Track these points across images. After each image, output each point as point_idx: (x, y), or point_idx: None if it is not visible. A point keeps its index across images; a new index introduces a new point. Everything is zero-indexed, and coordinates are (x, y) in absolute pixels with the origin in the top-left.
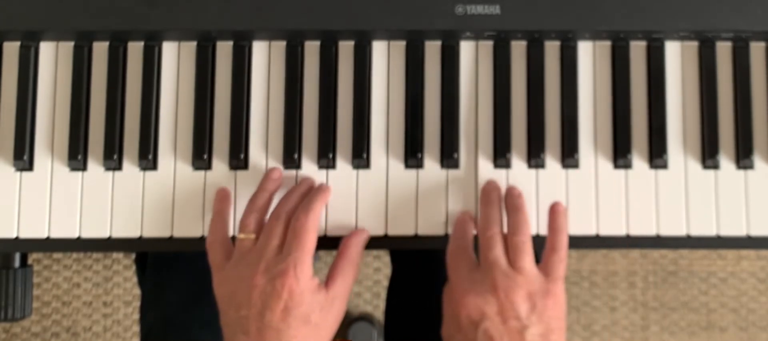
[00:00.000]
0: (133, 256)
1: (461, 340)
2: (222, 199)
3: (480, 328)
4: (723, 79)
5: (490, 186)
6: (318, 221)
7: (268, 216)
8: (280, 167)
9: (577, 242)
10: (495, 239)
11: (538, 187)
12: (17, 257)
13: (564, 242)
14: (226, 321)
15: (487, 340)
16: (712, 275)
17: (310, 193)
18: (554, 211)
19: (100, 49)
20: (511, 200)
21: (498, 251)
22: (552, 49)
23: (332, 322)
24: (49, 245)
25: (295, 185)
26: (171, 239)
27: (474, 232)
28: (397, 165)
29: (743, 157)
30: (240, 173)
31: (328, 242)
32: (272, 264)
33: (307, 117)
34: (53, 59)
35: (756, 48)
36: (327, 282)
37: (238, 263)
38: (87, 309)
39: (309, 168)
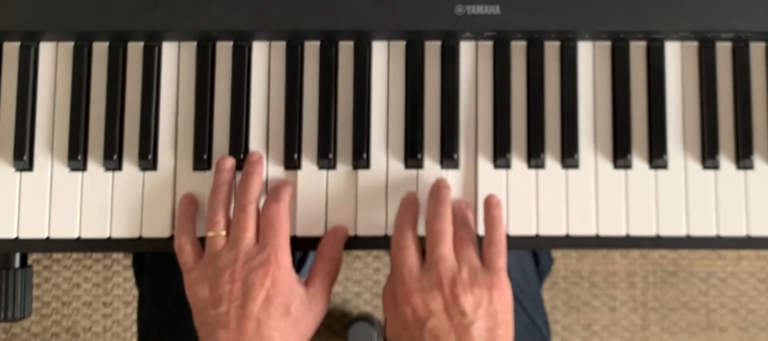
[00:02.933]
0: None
1: (408, 338)
2: (187, 203)
3: (426, 327)
4: (723, 79)
5: (441, 183)
6: (288, 208)
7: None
8: (231, 156)
9: (577, 242)
10: (444, 235)
11: (538, 187)
12: (17, 257)
13: (501, 234)
14: (203, 320)
15: (433, 339)
16: (712, 275)
17: (277, 184)
18: (489, 204)
19: (100, 49)
20: (456, 203)
21: (446, 247)
22: (552, 49)
23: (312, 321)
24: (49, 245)
25: (245, 172)
26: (171, 239)
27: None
28: (397, 165)
29: (743, 157)
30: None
31: None
32: (251, 255)
33: (307, 117)
34: (53, 59)
35: (756, 48)
36: (307, 280)
37: (214, 260)
38: (87, 309)
39: (309, 168)
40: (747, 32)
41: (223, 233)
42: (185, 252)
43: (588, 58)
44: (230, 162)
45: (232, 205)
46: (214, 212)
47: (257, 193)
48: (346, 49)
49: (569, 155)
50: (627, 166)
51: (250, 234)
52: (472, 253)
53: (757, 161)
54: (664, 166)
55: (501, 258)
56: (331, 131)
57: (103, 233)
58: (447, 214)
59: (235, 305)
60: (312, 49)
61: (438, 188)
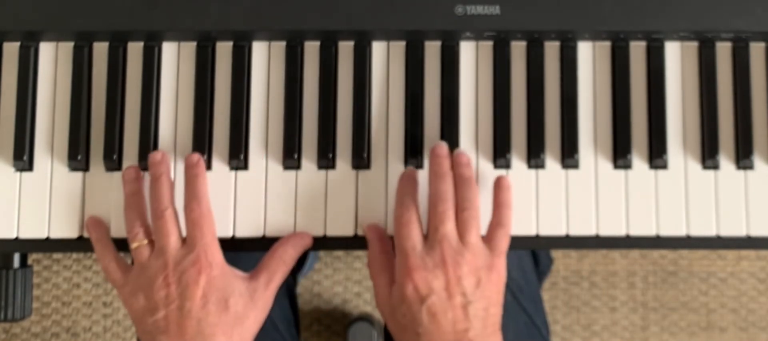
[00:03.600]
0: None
1: (404, 312)
2: (95, 227)
3: (425, 303)
4: (723, 79)
5: (441, 152)
6: (209, 201)
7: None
8: (136, 164)
9: (577, 242)
10: (447, 214)
11: (538, 187)
12: (17, 257)
13: (509, 217)
14: (143, 329)
15: (430, 316)
16: (712, 275)
17: (187, 177)
18: (499, 186)
19: (100, 49)
20: (460, 170)
21: (449, 226)
22: (552, 49)
23: (255, 315)
24: (49, 245)
25: (152, 176)
26: None
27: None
28: (397, 165)
29: (743, 157)
30: (240, 173)
31: (328, 243)
32: (180, 258)
33: (307, 117)
34: (53, 59)
35: (756, 48)
36: (251, 273)
37: (143, 270)
38: (87, 309)
39: (309, 168)
40: (747, 32)
41: (146, 242)
42: (112, 271)
43: (588, 58)
44: (135, 172)
45: (149, 211)
46: (132, 224)
47: (169, 195)
48: (346, 49)
49: (569, 155)
50: (627, 166)
51: (173, 238)
52: (475, 234)
53: (757, 161)
54: (664, 166)
55: (505, 240)
56: (331, 131)
57: None
58: (450, 191)
59: (172, 308)
60: (312, 49)
61: (438, 159)
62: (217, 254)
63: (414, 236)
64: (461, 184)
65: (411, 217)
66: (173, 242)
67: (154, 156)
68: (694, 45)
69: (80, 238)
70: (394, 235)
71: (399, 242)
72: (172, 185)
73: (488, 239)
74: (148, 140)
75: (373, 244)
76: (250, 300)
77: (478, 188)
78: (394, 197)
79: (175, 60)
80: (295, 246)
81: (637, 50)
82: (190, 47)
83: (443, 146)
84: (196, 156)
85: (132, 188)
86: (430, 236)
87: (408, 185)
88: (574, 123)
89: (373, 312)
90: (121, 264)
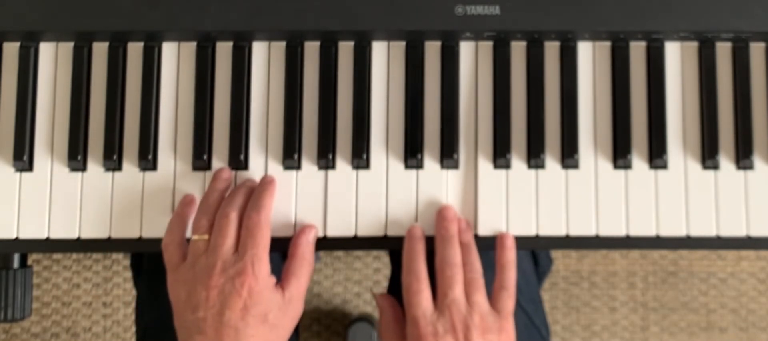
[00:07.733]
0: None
1: None
2: (185, 204)
3: None
4: (723, 79)
5: (448, 215)
6: (270, 216)
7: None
8: (227, 168)
9: (577, 243)
10: (455, 279)
11: (538, 187)
12: (17, 257)
13: (512, 278)
14: (182, 323)
15: None
16: (711, 275)
17: (256, 189)
18: (502, 246)
19: (100, 49)
20: (460, 236)
21: (458, 291)
22: (552, 49)
23: (289, 323)
24: (49, 245)
25: (240, 183)
26: None
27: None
28: (397, 166)
29: (743, 157)
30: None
31: (328, 243)
32: (229, 264)
33: (307, 117)
34: (53, 59)
35: (756, 48)
36: (282, 283)
37: (194, 264)
38: (87, 310)
39: (309, 169)
40: (747, 32)
41: (206, 237)
42: (169, 252)
43: (588, 58)
44: (228, 174)
45: None
46: (201, 215)
47: (242, 204)
48: (346, 49)
49: (569, 156)
50: (627, 166)
51: (229, 242)
52: (481, 297)
53: (757, 161)
54: (664, 166)
55: (511, 302)
56: (330, 131)
57: (102, 234)
58: (457, 256)
59: (212, 312)
60: (312, 49)
61: (445, 223)
62: (264, 268)
63: (424, 303)
64: (463, 249)
65: (420, 286)
66: (228, 245)
67: (252, 180)
68: (694, 45)
69: (80, 238)
70: (404, 302)
71: (409, 311)
72: (248, 199)
73: (494, 302)
74: (148, 141)
75: (385, 312)
76: (286, 311)
77: (476, 251)
78: (394, 198)
79: (175, 60)
80: (308, 242)
81: (637, 50)
82: (190, 47)
83: (450, 209)
84: (271, 177)
85: (219, 185)
86: (439, 302)
87: (414, 248)
88: (574, 123)
89: (373, 312)
90: (180, 249)
